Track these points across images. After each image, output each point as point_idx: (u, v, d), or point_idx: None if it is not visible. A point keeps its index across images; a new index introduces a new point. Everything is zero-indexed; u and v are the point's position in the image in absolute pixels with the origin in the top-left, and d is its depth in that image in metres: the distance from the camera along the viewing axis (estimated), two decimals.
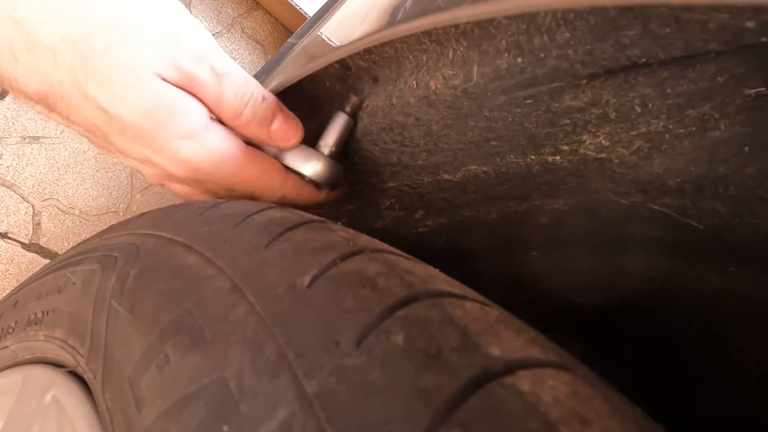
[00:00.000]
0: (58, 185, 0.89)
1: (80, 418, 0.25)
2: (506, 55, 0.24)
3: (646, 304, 0.34)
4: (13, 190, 0.85)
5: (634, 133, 0.25)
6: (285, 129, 0.33)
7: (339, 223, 0.24)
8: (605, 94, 0.24)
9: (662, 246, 0.31)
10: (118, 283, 0.25)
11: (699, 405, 0.33)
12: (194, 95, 0.30)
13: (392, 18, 0.26)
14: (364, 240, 0.21)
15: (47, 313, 0.32)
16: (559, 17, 0.21)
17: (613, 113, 0.25)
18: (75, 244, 0.46)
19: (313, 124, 0.36)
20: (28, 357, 0.33)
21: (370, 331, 0.15)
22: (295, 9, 1.04)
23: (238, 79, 0.31)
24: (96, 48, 0.27)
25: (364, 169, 0.38)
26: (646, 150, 0.26)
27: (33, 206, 0.86)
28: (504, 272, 0.42)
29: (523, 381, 0.13)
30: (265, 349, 0.16)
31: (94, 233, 0.38)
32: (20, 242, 0.85)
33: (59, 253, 0.86)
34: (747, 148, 0.23)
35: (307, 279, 0.18)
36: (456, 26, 0.25)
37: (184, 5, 0.32)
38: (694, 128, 0.24)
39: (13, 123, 0.86)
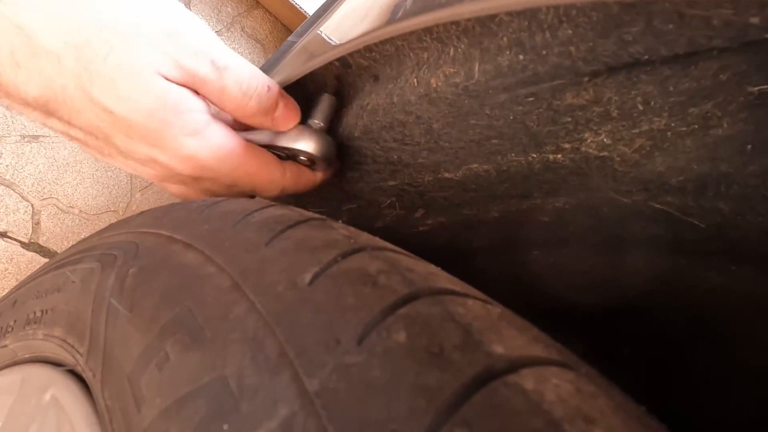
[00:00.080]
0: (57, 184, 0.88)
1: (79, 417, 0.24)
2: (508, 52, 0.24)
3: (647, 303, 0.34)
4: (13, 189, 0.85)
5: (636, 131, 0.25)
6: (286, 113, 0.34)
7: (339, 221, 0.24)
8: (607, 92, 0.24)
9: (664, 245, 0.31)
10: (117, 281, 0.25)
11: (699, 405, 0.33)
12: (197, 90, 0.31)
13: (392, 16, 0.26)
14: (365, 238, 0.21)
15: (46, 311, 0.32)
16: (561, 14, 0.21)
17: (615, 111, 0.24)
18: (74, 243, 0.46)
19: None
20: (27, 356, 0.33)
21: (372, 328, 0.15)
22: (295, 8, 1.04)
23: (241, 72, 0.31)
24: (98, 51, 0.27)
25: (364, 168, 0.38)
26: (648, 148, 0.26)
27: (32, 205, 0.86)
28: (505, 271, 0.42)
29: (527, 379, 0.13)
30: (265, 347, 0.15)
31: (94, 232, 0.38)
32: (19, 241, 0.85)
33: (59, 252, 0.86)
34: (749, 146, 0.23)
35: (307, 277, 0.17)
36: (457, 23, 0.25)
37: (183, 4, 0.32)
38: (696, 126, 0.24)
39: (12, 122, 0.86)
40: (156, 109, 0.29)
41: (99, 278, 0.27)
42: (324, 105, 0.35)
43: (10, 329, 0.36)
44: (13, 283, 0.83)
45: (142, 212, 0.33)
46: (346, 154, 0.37)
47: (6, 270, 0.83)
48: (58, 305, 0.31)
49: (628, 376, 0.34)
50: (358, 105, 0.34)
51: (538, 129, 0.27)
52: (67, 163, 0.89)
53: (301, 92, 0.35)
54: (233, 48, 1.06)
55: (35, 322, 0.33)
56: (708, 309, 0.31)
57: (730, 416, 0.31)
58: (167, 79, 0.29)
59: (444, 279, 0.18)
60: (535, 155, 0.30)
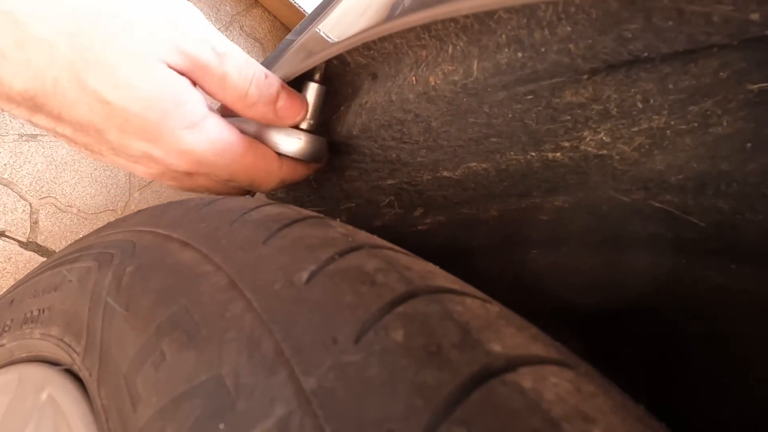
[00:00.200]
0: (55, 183, 0.88)
1: (76, 416, 0.24)
2: (506, 49, 0.24)
3: (647, 302, 0.34)
4: (11, 188, 0.85)
5: (636, 129, 0.25)
6: (290, 105, 0.33)
7: (338, 220, 0.24)
8: (606, 90, 0.24)
9: (663, 244, 0.30)
10: (114, 280, 0.25)
11: (699, 404, 0.33)
12: (197, 80, 0.30)
13: (391, 13, 0.26)
14: (363, 236, 0.21)
15: (43, 311, 0.32)
16: (560, 11, 0.21)
17: (615, 109, 0.24)
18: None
19: None
20: (24, 355, 0.33)
21: (369, 327, 0.15)
22: (294, 6, 1.04)
23: (240, 58, 0.31)
24: (96, 39, 0.26)
25: (363, 167, 0.38)
26: (647, 146, 0.26)
27: (30, 204, 0.86)
28: (504, 270, 0.41)
29: (525, 378, 0.13)
30: (261, 345, 0.15)
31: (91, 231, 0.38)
32: (18, 240, 0.85)
33: (57, 251, 0.86)
34: (749, 144, 0.23)
35: (304, 275, 0.17)
36: (455, 21, 0.25)
37: None
38: (696, 124, 0.23)
39: (10, 120, 0.86)
40: (156, 98, 0.28)
41: (96, 277, 0.27)
42: (311, 96, 0.34)
43: (7, 328, 0.36)
44: (11, 282, 0.83)
45: (139, 211, 0.33)
46: (345, 152, 0.37)
47: (4, 269, 0.83)
48: (55, 304, 0.31)
49: (628, 375, 0.34)
50: (356, 103, 0.34)
51: (537, 127, 0.27)
52: (65, 162, 0.89)
53: (299, 90, 0.35)
54: None
55: (32, 321, 0.32)
56: (708, 308, 0.31)
57: (730, 416, 0.31)
58: (169, 66, 0.28)
59: (442, 277, 0.18)
60: (534, 154, 0.30)
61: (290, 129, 0.34)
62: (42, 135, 0.88)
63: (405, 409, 0.12)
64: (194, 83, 0.30)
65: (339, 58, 0.32)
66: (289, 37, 0.45)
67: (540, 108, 0.26)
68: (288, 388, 0.14)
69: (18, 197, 0.85)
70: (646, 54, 0.21)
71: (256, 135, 0.34)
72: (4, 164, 0.85)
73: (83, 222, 0.90)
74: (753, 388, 0.30)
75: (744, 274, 0.28)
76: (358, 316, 0.15)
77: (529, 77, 0.24)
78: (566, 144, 0.28)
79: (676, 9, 0.18)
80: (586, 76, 0.23)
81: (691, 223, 0.28)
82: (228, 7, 1.08)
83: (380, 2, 0.28)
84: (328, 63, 0.33)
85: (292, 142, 0.34)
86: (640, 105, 0.23)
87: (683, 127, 0.24)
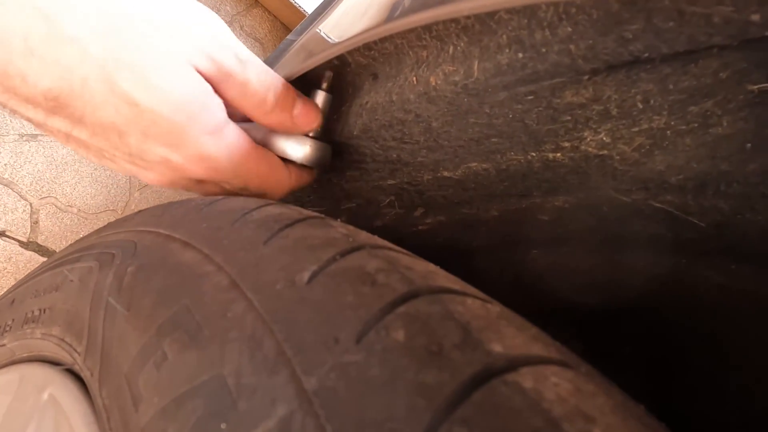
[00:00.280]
0: (56, 183, 0.88)
1: (77, 416, 0.24)
2: (507, 50, 0.24)
3: (647, 302, 0.34)
4: (11, 188, 0.85)
5: (636, 129, 0.25)
6: (306, 112, 0.33)
7: (338, 220, 0.24)
8: (607, 90, 0.24)
9: (663, 244, 0.30)
10: (115, 280, 0.25)
11: (699, 404, 0.33)
12: (218, 86, 0.30)
13: (391, 14, 0.26)
14: (364, 236, 0.21)
15: (44, 310, 0.32)
16: (560, 11, 0.21)
17: (615, 109, 0.24)
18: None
19: None
20: (25, 355, 0.33)
21: (370, 327, 0.15)
22: (294, 6, 1.04)
23: (259, 66, 0.31)
24: (129, 39, 0.26)
25: (363, 167, 0.38)
26: (647, 147, 0.26)
27: (31, 204, 0.86)
28: (504, 270, 0.41)
29: (526, 378, 0.13)
30: (263, 345, 0.15)
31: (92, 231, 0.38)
32: (18, 240, 0.85)
33: (57, 251, 0.86)
34: (749, 145, 0.23)
35: (306, 275, 0.17)
36: (456, 21, 0.25)
37: None
38: (696, 124, 0.23)
39: (10, 120, 0.86)
40: (184, 101, 0.28)
41: (97, 277, 0.27)
42: (319, 104, 0.35)
43: (8, 328, 0.36)
44: (12, 282, 0.83)
45: (140, 211, 0.33)
46: (345, 152, 0.37)
47: (5, 269, 0.83)
48: (56, 304, 0.31)
49: (628, 375, 0.34)
50: (357, 103, 0.34)
51: (537, 127, 0.27)
52: (65, 162, 0.89)
53: (299, 91, 0.35)
54: None
55: (33, 321, 0.33)
56: (708, 308, 0.31)
57: (730, 415, 0.31)
58: (197, 70, 0.28)
59: (443, 277, 0.18)
60: (534, 154, 0.30)
61: (298, 136, 0.34)
62: (42, 135, 0.88)
63: (406, 409, 0.12)
64: (215, 90, 0.30)
65: (340, 58, 0.32)
66: (289, 37, 0.45)
67: (540, 108, 0.26)
68: (289, 388, 0.14)
69: (18, 197, 0.85)
70: (646, 54, 0.21)
71: (263, 141, 0.35)
72: (5, 164, 0.85)
73: (84, 222, 0.90)
74: (753, 387, 0.30)
75: (744, 274, 0.29)
76: (359, 316, 0.15)
77: (530, 78, 0.24)
78: (567, 144, 0.28)
79: (676, 10, 0.18)
80: (586, 77, 0.23)
81: (692, 223, 0.28)
82: (228, 7, 1.08)
83: (381, 3, 0.28)
84: (336, 71, 0.34)
85: (300, 149, 0.34)
86: (640, 105, 0.24)
87: (683, 127, 0.24)
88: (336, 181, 0.41)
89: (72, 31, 0.24)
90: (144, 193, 0.95)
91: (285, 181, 0.35)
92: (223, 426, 0.14)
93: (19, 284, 0.40)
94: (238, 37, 1.11)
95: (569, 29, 0.21)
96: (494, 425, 0.12)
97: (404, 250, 0.21)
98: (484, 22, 0.24)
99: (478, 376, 0.13)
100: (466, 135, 0.30)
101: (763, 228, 0.26)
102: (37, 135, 0.88)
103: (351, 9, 0.34)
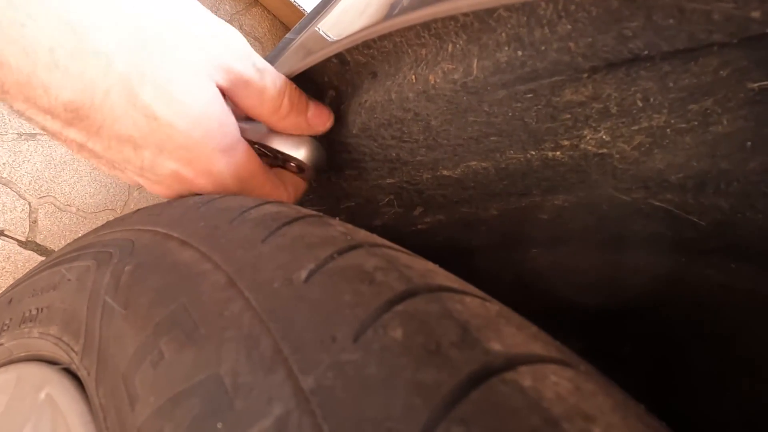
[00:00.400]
0: (54, 182, 0.88)
1: (74, 415, 0.24)
2: (506, 48, 0.24)
3: (647, 301, 0.34)
4: (10, 188, 0.85)
5: (636, 127, 0.25)
6: (320, 113, 0.34)
7: (337, 219, 0.23)
8: (606, 88, 0.23)
9: (663, 242, 0.30)
10: (112, 279, 0.25)
11: (699, 403, 0.33)
12: (236, 95, 0.31)
13: (390, 12, 0.26)
14: (362, 235, 0.21)
15: (42, 310, 0.32)
16: (560, 9, 0.21)
17: (615, 107, 0.24)
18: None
19: None
20: (22, 354, 0.33)
21: (368, 325, 0.15)
22: (293, 5, 1.04)
23: (273, 73, 0.32)
24: (153, 53, 0.26)
25: (362, 166, 0.38)
26: (647, 145, 0.26)
27: (30, 204, 0.86)
28: (504, 269, 0.41)
29: (525, 377, 0.13)
30: (260, 344, 0.15)
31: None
32: (17, 240, 0.84)
33: (56, 250, 0.86)
34: (749, 143, 0.23)
35: (303, 274, 0.17)
36: (455, 19, 0.25)
37: None
38: (696, 123, 0.23)
39: (9, 119, 0.86)
40: (203, 116, 0.28)
41: (94, 276, 0.27)
42: None
43: (6, 327, 0.36)
44: (11, 281, 0.83)
45: (138, 210, 0.33)
46: (344, 151, 0.37)
47: (3, 268, 0.83)
48: (54, 303, 0.31)
49: (628, 374, 0.34)
50: (356, 102, 0.34)
51: (536, 126, 0.27)
52: (64, 162, 0.89)
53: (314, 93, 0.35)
54: None
55: (31, 321, 0.32)
56: (708, 307, 0.31)
57: (730, 415, 0.31)
58: (216, 83, 0.29)
59: (442, 276, 0.18)
60: (533, 152, 0.30)
61: (298, 136, 0.35)
62: (41, 134, 0.88)
63: (404, 407, 0.12)
64: (233, 99, 0.31)
65: (338, 56, 0.32)
66: (288, 35, 0.45)
67: (540, 106, 0.26)
68: (286, 387, 0.14)
69: (17, 196, 0.85)
70: (646, 52, 0.21)
71: (261, 139, 0.35)
72: (3, 163, 0.85)
73: (82, 221, 0.90)
74: (753, 387, 0.30)
75: (744, 273, 0.28)
76: (357, 315, 0.15)
77: (529, 76, 0.24)
78: (566, 143, 0.28)
79: (676, 7, 0.18)
80: (586, 75, 0.23)
81: (692, 221, 0.28)
82: (228, 6, 1.08)
83: (380, 1, 0.28)
84: (337, 90, 0.34)
85: (300, 148, 0.35)
86: (640, 103, 0.23)
87: (683, 125, 0.24)
88: (335, 180, 0.41)
89: (99, 45, 0.25)
90: (143, 193, 0.95)
91: (284, 199, 0.36)
92: (219, 425, 0.14)
93: (17, 283, 0.40)
94: None
95: (569, 27, 0.21)
96: (493, 424, 0.12)
97: (403, 249, 0.20)
98: (483, 19, 0.24)
99: (477, 375, 0.13)
100: (466, 133, 0.30)
101: (763, 227, 0.25)
102: (35, 134, 0.87)
103: (350, 7, 0.34)
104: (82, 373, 0.25)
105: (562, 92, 0.25)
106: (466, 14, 0.24)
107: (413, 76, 0.29)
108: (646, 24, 0.19)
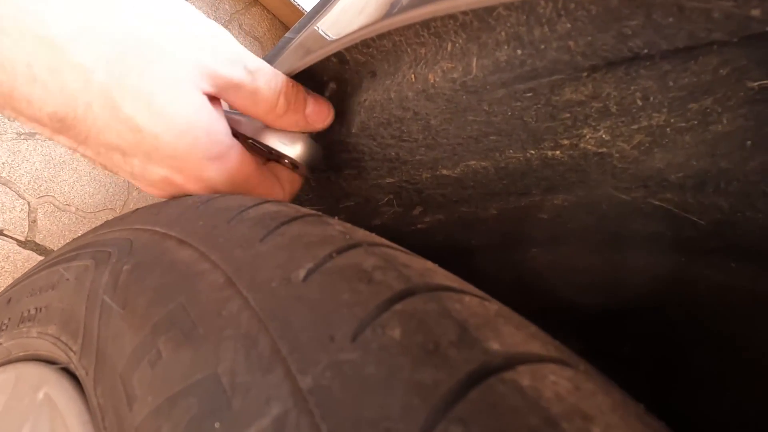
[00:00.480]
0: (54, 182, 0.88)
1: (72, 415, 0.24)
2: (506, 47, 0.24)
3: (647, 301, 0.34)
4: (9, 187, 0.85)
5: (635, 126, 0.25)
6: (319, 110, 0.33)
7: (336, 218, 0.23)
8: (606, 87, 0.23)
9: (663, 242, 0.30)
10: (111, 278, 0.25)
11: (699, 403, 0.33)
12: (227, 97, 0.30)
13: (389, 11, 0.26)
14: (361, 234, 0.20)
15: (40, 309, 0.32)
16: (559, 7, 0.21)
17: (614, 107, 0.24)
18: None
19: None
20: (20, 354, 0.33)
21: (366, 325, 0.14)
22: (293, 5, 1.04)
23: (268, 72, 0.31)
24: (133, 65, 0.26)
25: (362, 165, 0.38)
26: (647, 144, 0.26)
27: (29, 203, 0.86)
28: (503, 269, 0.41)
29: (524, 376, 0.13)
30: (258, 344, 0.15)
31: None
32: (16, 239, 0.84)
33: (55, 250, 0.86)
34: (749, 142, 0.23)
35: (302, 273, 0.17)
36: (455, 18, 0.25)
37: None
38: (695, 122, 0.23)
39: (8, 119, 0.86)
40: (189, 127, 0.28)
41: (93, 275, 0.27)
42: None
43: (4, 327, 0.35)
44: (10, 281, 0.83)
45: (137, 209, 0.33)
46: (344, 150, 0.37)
47: (2, 268, 0.83)
48: (53, 303, 0.30)
49: (628, 374, 0.34)
50: (355, 101, 0.33)
51: (536, 125, 0.27)
52: (63, 161, 0.89)
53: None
54: None
55: (29, 320, 0.32)
56: (707, 306, 0.31)
57: (730, 414, 0.31)
58: (203, 92, 0.29)
59: (441, 275, 0.18)
60: (533, 152, 0.30)
61: (292, 132, 0.34)
62: (41, 134, 0.88)
63: (402, 407, 0.12)
64: (225, 99, 0.31)
65: (337, 55, 0.32)
66: (287, 35, 0.45)
67: (539, 106, 0.26)
68: (284, 386, 0.14)
69: (16, 196, 0.85)
70: (646, 51, 0.20)
71: (254, 134, 0.34)
72: (2, 163, 0.85)
73: (82, 221, 0.90)
74: (753, 387, 0.30)
75: (744, 272, 0.28)
76: (355, 314, 0.15)
77: (529, 75, 0.24)
78: (566, 142, 0.28)
79: (676, 5, 0.18)
80: (585, 74, 0.23)
81: (691, 221, 0.28)
82: (227, 6, 1.08)
83: (379, 0, 0.28)
84: (337, 86, 0.34)
85: (295, 145, 0.35)
86: (639, 102, 0.23)
87: (683, 124, 0.24)
88: (334, 179, 0.41)
89: (77, 59, 0.24)
90: (142, 192, 0.95)
91: (280, 197, 0.36)
92: (217, 425, 0.14)
93: (16, 283, 0.40)
94: (237, 36, 1.11)
95: (568, 25, 0.21)
96: (491, 424, 0.12)
97: (402, 248, 0.20)
98: (482, 18, 0.24)
99: (475, 375, 0.13)
100: (465, 133, 0.30)
101: (763, 226, 0.25)
102: (34, 134, 0.87)
103: (349, 6, 0.34)
104: (80, 373, 0.25)
105: (561, 91, 0.24)
106: (465, 13, 0.24)
107: (412, 75, 0.28)
108: (645, 22, 0.19)
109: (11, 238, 0.84)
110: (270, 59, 0.42)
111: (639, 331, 0.35)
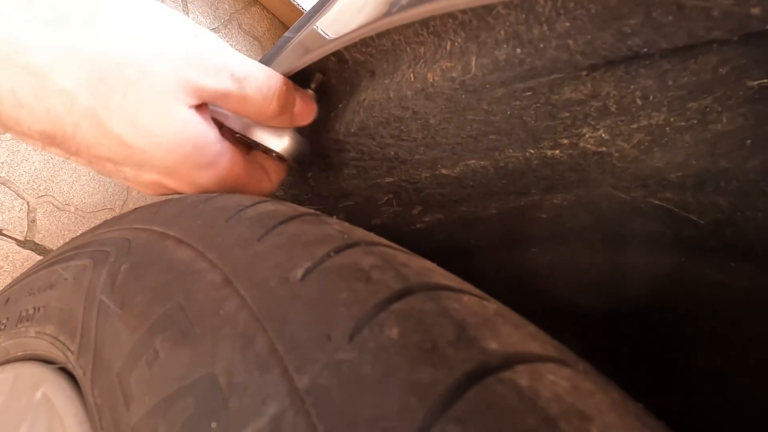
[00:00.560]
0: (53, 182, 0.88)
1: (70, 415, 0.24)
2: (505, 45, 0.23)
3: (646, 300, 0.34)
4: (8, 187, 0.85)
5: (635, 126, 0.25)
6: (306, 108, 0.34)
7: (334, 217, 0.23)
8: (606, 86, 0.23)
9: (663, 241, 0.30)
10: (108, 278, 0.25)
11: (699, 403, 0.32)
12: (217, 102, 0.31)
13: (388, 10, 0.26)
14: (359, 233, 0.20)
15: (39, 309, 0.32)
16: (558, 6, 0.21)
17: (614, 106, 0.24)
18: None
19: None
20: (19, 354, 0.33)
21: (364, 324, 0.14)
22: (292, 4, 1.04)
23: (259, 77, 0.31)
24: (116, 87, 0.26)
25: (361, 164, 0.38)
26: (646, 143, 0.25)
27: (28, 203, 0.86)
28: (503, 269, 0.41)
29: (522, 376, 0.13)
30: (255, 343, 0.15)
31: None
32: (15, 239, 0.84)
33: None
34: (749, 141, 0.23)
35: (299, 272, 0.17)
36: (453, 17, 0.25)
37: (181, 2, 0.32)
38: (695, 121, 0.23)
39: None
40: (176, 143, 0.28)
41: (91, 275, 0.27)
42: None
43: (3, 327, 0.35)
44: (9, 281, 0.83)
45: (135, 209, 0.33)
46: (343, 150, 0.37)
47: (1, 268, 0.83)
48: (51, 302, 0.30)
49: (627, 373, 0.34)
50: (354, 101, 0.33)
51: (535, 124, 0.27)
52: (62, 161, 0.89)
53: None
54: (231, 45, 1.06)
55: (28, 320, 0.32)
56: (707, 306, 0.31)
57: (729, 414, 0.31)
58: (189, 105, 0.29)
59: (439, 275, 0.18)
60: (532, 151, 0.29)
61: (280, 128, 0.34)
62: None
63: (399, 407, 0.12)
64: (215, 103, 0.31)
65: (336, 54, 0.31)
66: (287, 34, 0.44)
67: (539, 105, 0.26)
68: (281, 386, 0.14)
69: (15, 195, 0.85)
70: (645, 50, 0.20)
71: (242, 129, 0.35)
72: (2, 162, 0.84)
73: (81, 220, 0.90)
74: (753, 386, 0.30)
75: (744, 271, 0.28)
76: (352, 314, 0.15)
77: (528, 74, 0.24)
78: (565, 141, 0.28)
79: (676, 4, 0.18)
80: (584, 73, 0.23)
81: (691, 220, 0.28)
82: (226, 5, 1.08)
83: None
84: (328, 73, 0.34)
85: (282, 141, 0.35)
86: (639, 102, 0.23)
87: (683, 123, 0.23)
88: (333, 178, 0.41)
89: (61, 84, 0.25)
90: (142, 192, 0.95)
91: (267, 189, 0.36)
92: (213, 425, 0.14)
93: (15, 282, 0.40)
94: (237, 36, 1.11)
95: (567, 24, 0.21)
96: (489, 424, 0.12)
97: (400, 247, 0.20)
98: (481, 17, 0.24)
99: (473, 374, 0.13)
100: (464, 132, 0.30)
101: (762, 225, 0.25)
102: None
103: (348, 6, 0.34)
104: (78, 373, 0.24)
105: (561, 90, 0.24)
106: (464, 12, 0.24)
107: (412, 75, 0.28)
108: (645, 21, 0.19)
109: (10, 237, 0.84)
110: (269, 58, 0.42)
111: (638, 330, 0.35)
